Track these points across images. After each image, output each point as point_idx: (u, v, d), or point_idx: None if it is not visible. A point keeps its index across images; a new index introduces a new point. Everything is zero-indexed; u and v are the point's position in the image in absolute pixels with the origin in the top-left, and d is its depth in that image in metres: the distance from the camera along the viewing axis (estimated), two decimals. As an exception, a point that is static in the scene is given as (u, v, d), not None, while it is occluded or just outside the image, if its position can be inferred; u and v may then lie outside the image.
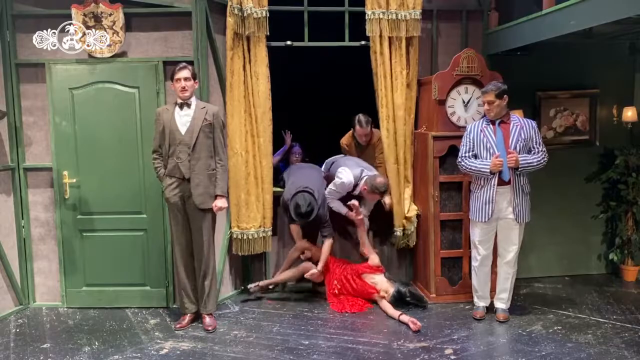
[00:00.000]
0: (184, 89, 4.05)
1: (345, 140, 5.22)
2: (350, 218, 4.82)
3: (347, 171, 4.74)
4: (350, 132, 5.16)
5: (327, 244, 4.71)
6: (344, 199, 4.86)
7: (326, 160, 5.20)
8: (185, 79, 4.05)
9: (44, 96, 4.55)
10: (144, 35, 4.51)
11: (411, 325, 4.18)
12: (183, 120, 4.11)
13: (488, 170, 4.15)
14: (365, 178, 4.72)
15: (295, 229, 4.87)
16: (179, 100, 4.13)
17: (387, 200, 4.87)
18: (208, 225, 4.22)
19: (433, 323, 4.34)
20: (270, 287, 4.95)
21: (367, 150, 5.15)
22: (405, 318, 4.30)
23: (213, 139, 4.17)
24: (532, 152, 4.20)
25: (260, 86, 4.72)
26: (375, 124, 5.00)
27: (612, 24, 3.81)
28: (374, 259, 4.77)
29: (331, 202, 4.82)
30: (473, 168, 4.23)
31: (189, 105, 4.13)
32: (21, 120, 4.59)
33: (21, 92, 4.57)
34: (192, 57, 4.44)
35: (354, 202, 4.70)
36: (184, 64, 4.13)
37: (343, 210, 4.84)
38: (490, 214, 4.22)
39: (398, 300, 4.57)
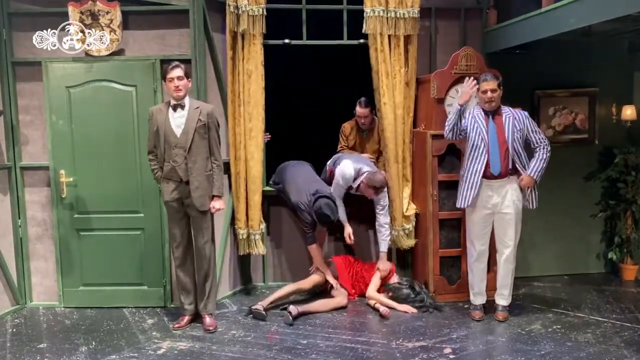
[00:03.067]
0: (177, 89, 3.96)
1: (346, 124, 5.24)
2: (346, 231, 4.87)
3: (348, 163, 4.75)
4: (354, 119, 5.18)
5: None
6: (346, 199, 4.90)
7: (333, 156, 5.14)
8: (179, 78, 3.96)
9: (41, 95, 4.53)
10: (141, 33, 4.49)
11: (382, 311, 4.43)
12: (177, 122, 4.03)
13: (459, 105, 4.13)
14: (366, 173, 4.71)
15: (315, 252, 4.72)
16: (173, 102, 4.04)
17: (346, 230, 4.89)
18: (208, 227, 4.17)
19: (432, 322, 4.32)
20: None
21: (369, 140, 5.14)
22: (378, 305, 4.51)
23: (208, 139, 4.09)
24: (535, 148, 4.16)
25: (252, 84, 4.70)
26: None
27: (611, 22, 3.79)
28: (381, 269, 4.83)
29: (341, 214, 4.81)
30: (450, 120, 4.18)
31: (182, 107, 4.04)
32: (18, 119, 4.56)
33: (18, 90, 4.55)
34: (189, 55, 4.43)
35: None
36: (176, 62, 4.05)
37: (343, 217, 4.86)
38: (470, 199, 4.17)
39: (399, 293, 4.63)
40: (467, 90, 4.16)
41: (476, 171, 4.14)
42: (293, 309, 4.33)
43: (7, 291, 4.57)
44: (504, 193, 4.18)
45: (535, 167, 4.14)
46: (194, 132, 4.01)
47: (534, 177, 4.13)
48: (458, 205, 4.33)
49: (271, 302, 4.53)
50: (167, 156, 4.05)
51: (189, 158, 4.01)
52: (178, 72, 3.97)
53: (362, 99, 5.00)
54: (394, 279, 4.76)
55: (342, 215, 4.84)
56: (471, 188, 4.17)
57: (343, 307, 4.61)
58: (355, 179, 4.73)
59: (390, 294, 4.66)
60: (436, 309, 4.53)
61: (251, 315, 4.43)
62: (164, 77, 4.04)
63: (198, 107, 4.08)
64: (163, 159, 4.08)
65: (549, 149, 4.17)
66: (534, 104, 5.17)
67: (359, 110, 5.03)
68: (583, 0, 3.73)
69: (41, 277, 4.71)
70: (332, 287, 4.74)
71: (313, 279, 4.74)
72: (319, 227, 4.72)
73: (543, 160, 4.14)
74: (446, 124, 4.24)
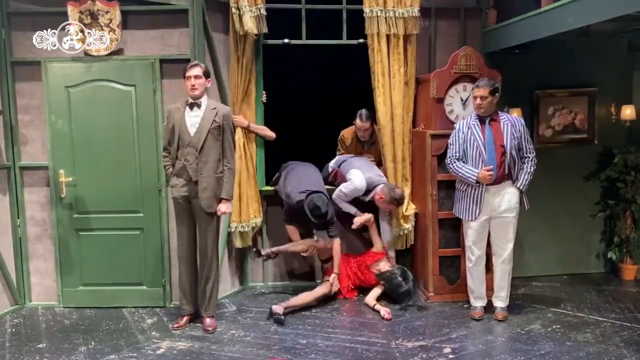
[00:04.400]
0: (193, 87, 3.98)
1: (346, 132, 5.17)
2: (358, 218, 4.80)
3: (359, 174, 4.68)
4: (353, 126, 5.11)
5: (337, 243, 4.71)
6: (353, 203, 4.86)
7: (337, 157, 5.12)
8: (196, 76, 3.98)
9: (40, 94, 4.52)
10: (141, 33, 4.48)
11: (383, 313, 4.38)
12: (192, 121, 4.04)
13: (475, 179, 4.14)
14: (381, 186, 4.65)
15: (292, 229, 4.83)
16: (190, 100, 4.05)
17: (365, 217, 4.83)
18: (213, 229, 4.17)
19: (431, 322, 4.32)
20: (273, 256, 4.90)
21: (370, 149, 5.10)
22: (378, 307, 4.49)
23: (222, 142, 4.09)
24: (523, 159, 4.20)
25: (252, 83, 4.72)
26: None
27: (610, 22, 3.79)
28: (377, 244, 4.86)
29: (340, 203, 4.80)
30: (460, 173, 4.21)
31: (199, 106, 4.05)
32: (17, 119, 4.56)
33: (17, 90, 4.54)
34: (188, 55, 4.43)
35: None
36: (195, 61, 4.09)
37: (352, 210, 4.83)
38: (477, 212, 4.21)
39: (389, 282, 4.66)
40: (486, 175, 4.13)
41: (480, 184, 4.16)
42: (278, 308, 4.35)
43: (6, 291, 4.57)
44: (502, 197, 4.19)
45: (524, 179, 4.21)
46: (207, 133, 4.01)
47: (522, 190, 4.21)
48: (464, 219, 4.33)
49: (278, 250, 4.84)
50: (180, 154, 4.06)
51: (200, 158, 4.01)
52: (196, 71, 3.99)
53: (363, 111, 4.90)
54: (386, 267, 4.75)
55: (350, 208, 4.82)
56: (475, 203, 4.20)
57: (326, 297, 4.66)
58: (368, 191, 4.68)
59: (382, 282, 4.68)
60: (419, 309, 4.52)
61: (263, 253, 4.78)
62: (183, 75, 4.05)
63: (215, 108, 4.08)
64: (175, 157, 4.09)
65: (535, 161, 4.24)
66: (534, 103, 5.17)
67: (359, 123, 4.94)
68: (582, 0, 3.72)
69: (40, 277, 4.70)
70: (321, 281, 4.83)
71: (304, 242, 4.83)
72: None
73: (530, 174, 4.22)
74: (455, 170, 4.23)
